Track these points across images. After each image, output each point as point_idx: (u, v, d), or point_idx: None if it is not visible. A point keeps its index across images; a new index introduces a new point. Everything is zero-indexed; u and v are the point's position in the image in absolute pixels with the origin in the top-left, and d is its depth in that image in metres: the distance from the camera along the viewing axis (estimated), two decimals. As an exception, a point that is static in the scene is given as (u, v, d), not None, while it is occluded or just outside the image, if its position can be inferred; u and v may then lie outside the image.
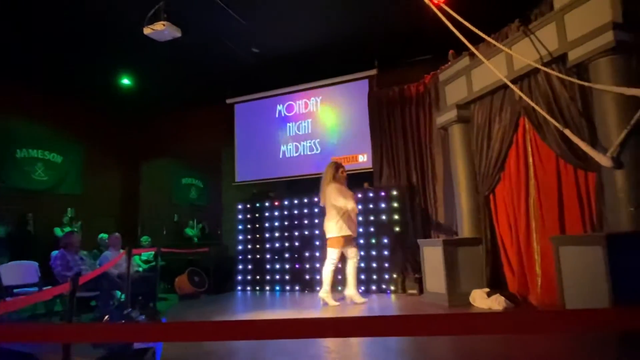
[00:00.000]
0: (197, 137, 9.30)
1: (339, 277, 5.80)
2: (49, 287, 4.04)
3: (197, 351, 3.17)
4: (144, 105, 9.32)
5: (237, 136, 8.93)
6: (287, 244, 6.98)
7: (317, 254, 6.70)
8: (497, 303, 4.32)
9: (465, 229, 5.24)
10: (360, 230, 6.14)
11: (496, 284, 4.83)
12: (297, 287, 6.77)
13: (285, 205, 7.12)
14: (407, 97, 6.78)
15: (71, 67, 7.58)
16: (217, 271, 7.16)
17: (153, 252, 6.81)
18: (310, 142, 8.20)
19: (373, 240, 6.26)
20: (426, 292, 5.19)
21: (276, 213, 7.16)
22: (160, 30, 5.53)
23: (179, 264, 7.17)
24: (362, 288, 6.20)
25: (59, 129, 8.58)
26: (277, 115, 8.60)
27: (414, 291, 5.72)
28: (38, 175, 8.18)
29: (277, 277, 6.95)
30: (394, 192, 6.32)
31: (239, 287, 7.17)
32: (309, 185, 7.78)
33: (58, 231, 7.49)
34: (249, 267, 7.20)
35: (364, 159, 7.60)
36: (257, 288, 7.06)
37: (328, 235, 5.17)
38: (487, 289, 4.60)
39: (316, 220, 6.81)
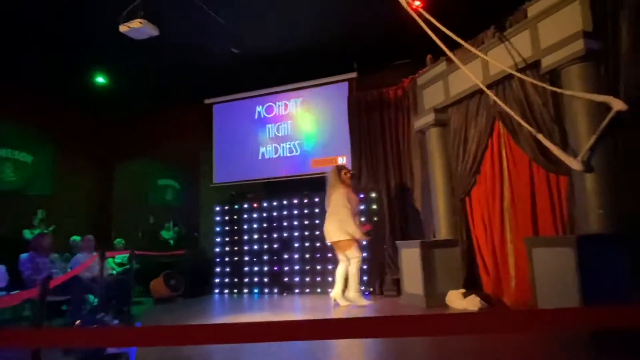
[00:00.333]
0: (174, 137, 9.15)
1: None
2: (18, 291, 3.90)
3: (173, 356, 3.11)
4: (119, 105, 9.11)
5: (216, 137, 8.83)
6: (265, 246, 6.94)
7: (296, 256, 6.68)
8: (472, 304, 4.41)
9: (442, 231, 5.32)
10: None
11: (472, 285, 4.93)
12: (275, 290, 6.74)
13: (264, 207, 7.08)
14: (386, 100, 6.86)
15: (42, 63, 7.35)
16: (194, 274, 7.05)
17: (127, 255, 6.66)
18: (290, 144, 8.18)
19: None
20: (404, 294, 5.24)
21: (255, 215, 7.11)
22: (136, 28, 5.41)
23: (154, 267, 7.03)
24: (341, 290, 6.21)
25: (29, 127, 8.29)
26: (256, 117, 8.55)
27: (392, 293, 5.77)
28: (6, 176, 7.88)
29: (256, 279, 6.90)
30: (373, 194, 6.37)
31: (217, 290, 7.09)
32: (288, 187, 7.76)
33: (27, 233, 7.24)
34: (227, 269, 7.12)
35: (343, 161, 7.62)
36: (235, 291, 6.98)
37: (339, 239, 5.08)
38: (463, 290, 4.69)
39: (295, 222, 6.80)
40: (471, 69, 4.52)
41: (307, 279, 6.52)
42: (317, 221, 6.65)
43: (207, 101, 8.89)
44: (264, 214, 7.06)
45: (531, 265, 3.54)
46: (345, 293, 5.17)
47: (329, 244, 5.39)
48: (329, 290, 5.58)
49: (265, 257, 6.90)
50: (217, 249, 7.26)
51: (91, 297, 5.11)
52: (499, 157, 4.75)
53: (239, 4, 5.86)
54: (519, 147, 4.39)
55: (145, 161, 9.55)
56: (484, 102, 4.84)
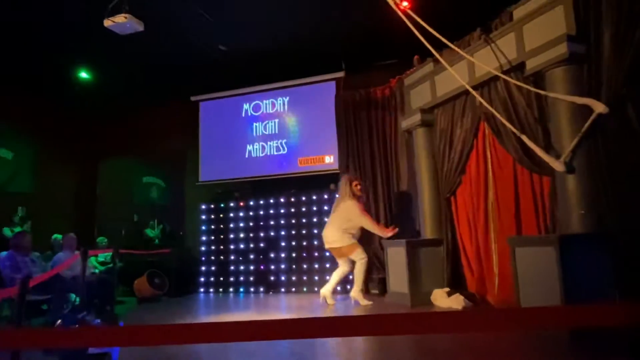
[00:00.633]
0: (159, 134, 9.03)
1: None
2: (-4, 290, 3.80)
3: (156, 356, 3.08)
4: (103, 101, 8.95)
5: (202, 135, 8.75)
6: (252, 245, 6.91)
7: (283, 255, 6.67)
8: (456, 302, 4.46)
9: (427, 230, 5.37)
10: (323, 237, 6.18)
11: (456, 284, 4.98)
12: (261, 289, 6.71)
13: (250, 205, 7.05)
14: (373, 100, 6.88)
15: (24, 58, 7.18)
16: (179, 273, 6.98)
17: (110, 254, 6.56)
18: (277, 142, 8.15)
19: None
20: (389, 292, 5.27)
21: (241, 214, 7.07)
22: (121, 23, 5.33)
23: (138, 266, 6.93)
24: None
25: (10, 123, 8.10)
26: (243, 115, 8.50)
27: (378, 291, 5.80)
28: (-15, 172, 7.69)
29: (242, 278, 6.87)
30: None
31: (202, 289, 7.03)
32: (275, 186, 7.73)
33: (7, 231, 7.07)
34: (213, 268, 7.07)
35: (330, 160, 7.63)
36: (221, 290, 6.94)
37: (341, 245, 5.17)
38: (448, 289, 4.74)
39: (282, 221, 6.79)
40: (457, 70, 4.56)
41: (294, 278, 6.52)
42: (303, 220, 6.65)
43: (193, 98, 8.80)
44: (251, 213, 7.02)
45: (514, 264, 3.59)
46: (350, 292, 5.29)
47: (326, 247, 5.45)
48: (316, 289, 5.59)
49: (252, 256, 6.87)
50: (203, 248, 7.20)
51: (73, 296, 5.02)
52: (484, 158, 4.81)
53: (226, 0, 5.82)
54: (503, 148, 4.45)
55: (129, 158, 9.41)
56: (470, 103, 4.89)
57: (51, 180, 8.74)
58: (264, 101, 8.35)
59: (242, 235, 6.99)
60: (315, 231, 6.50)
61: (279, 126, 8.19)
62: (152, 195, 9.50)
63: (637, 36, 3.29)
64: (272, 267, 6.71)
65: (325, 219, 6.30)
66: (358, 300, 5.12)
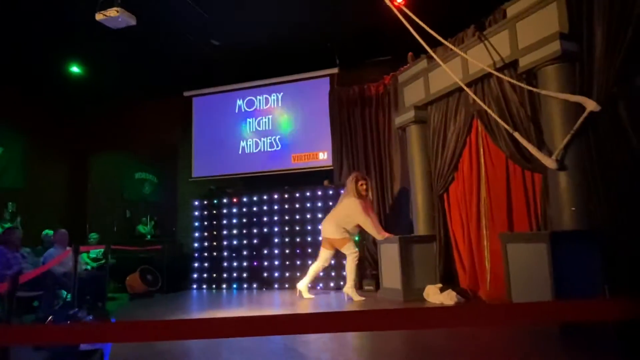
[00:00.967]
0: (152, 130, 8.97)
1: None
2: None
3: (148, 352, 3.07)
4: (95, 96, 8.86)
5: (195, 130, 8.71)
6: (245, 242, 6.89)
7: (276, 252, 6.67)
8: (449, 298, 4.49)
9: (420, 227, 5.40)
10: (320, 228, 6.18)
11: (449, 280, 5.01)
12: (254, 285, 6.71)
13: (243, 202, 7.03)
14: (367, 97, 6.88)
15: (13, 52, 7.08)
16: (171, 269, 6.96)
17: (102, 250, 6.51)
18: (270, 139, 8.14)
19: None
20: (382, 288, 5.30)
21: (234, 210, 7.05)
22: (113, 17, 5.27)
23: (130, 262, 6.89)
24: (321, 285, 6.25)
25: (-1, 117, 8.00)
26: (237, 110, 8.47)
27: (371, 287, 5.83)
28: (-26, 167, 7.59)
29: (235, 275, 6.86)
30: (353, 190, 6.38)
31: (194, 286, 7.01)
32: (269, 182, 7.73)
33: (-4, 227, 6.99)
34: (205, 265, 7.05)
35: (324, 157, 7.64)
36: (214, 286, 6.92)
37: (335, 237, 5.27)
38: (440, 285, 4.77)
39: (275, 218, 6.78)
40: (451, 67, 4.57)
41: (287, 275, 6.52)
42: (297, 216, 6.64)
43: (186, 94, 8.75)
44: (244, 209, 7.01)
45: (506, 260, 3.62)
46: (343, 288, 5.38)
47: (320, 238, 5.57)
48: (309, 285, 5.60)
49: (245, 253, 6.86)
50: (196, 244, 7.17)
51: (64, 293, 4.98)
52: (477, 155, 4.83)
53: (220, -4, 5.78)
54: (496, 145, 4.48)
55: (121, 154, 9.34)
56: (463, 100, 4.91)
57: (42, 175, 8.66)
58: (258, 97, 8.32)
59: (235, 231, 6.98)
60: (309, 227, 6.51)
61: (273, 122, 8.17)
62: (145, 191, 9.45)
63: (629, 35, 3.31)
64: (266, 263, 6.71)
65: (319, 215, 6.32)
66: (351, 296, 5.16)
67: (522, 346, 2.93)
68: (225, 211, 7.10)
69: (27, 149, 8.48)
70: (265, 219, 6.84)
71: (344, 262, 6.16)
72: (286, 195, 6.79)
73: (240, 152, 8.31)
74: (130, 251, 6.93)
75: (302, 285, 5.44)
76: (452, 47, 4.38)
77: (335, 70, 7.68)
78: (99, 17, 5.31)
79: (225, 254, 6.97)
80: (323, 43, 7.08)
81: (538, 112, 3.95)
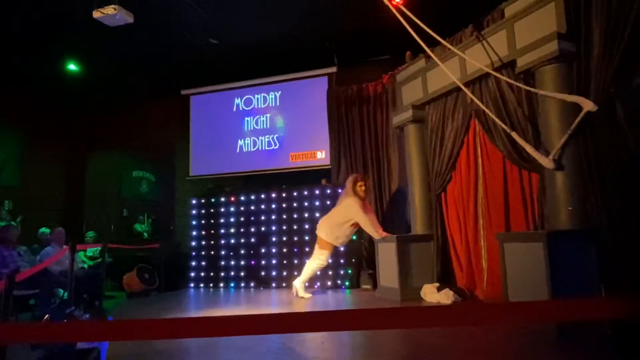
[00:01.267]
0: (150, 128, 8.95)
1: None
2: (-18, 285, 3.75)
3: (146, 350, 3.07)
4: (92, 94, 8.84)
5: (193, 129, 8.70)
6: (242, 240, 6.89)
7: (274, 251, 6.67)
8: (446, 297, 4.50)
9: (417, 226, 5.40)
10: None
11: (446, 279, 5.03)
12: (252, 284, 6.71)
13: (241, 200, 7.02)
14: (365, 96, 6.88)
15: (10, 50, 7.04)
16: (169, 268, 6.94)
17: (99, 248, 6.49)
18: (268, 137, 8.13)
19: (329, 237, 6.31)
20: (380, 287, 5.31)
21: (232, 209, 7.05)
22: (111, 14, 5.25)
23: (127, 261, 6.88)
24: (318, 283, 6.25)
25: (-4, 115, 7.96)
26: (234, 109, 8.46)
27: (368, 286, 5.84)
28: (-29, 165, 7.56)
29: (232, 273, 6.85)
30: (351, 189, 6.38)
31: (192, 285, 7.00)
32: (266, 181, 7.72)
33: (-7, 225, 6.96)
34: (203, 263, 7.04)
35: (322, 156, 7.64)
36: (211, 285, 6.92)
37: (321, 236, 5.35)
38: (437, 284, 4.78)
39: (273, 217, 6.77)
40: (449, 67, 4.57)
41: (284, 273, 6.52)
42: (295, 215, 6.64)
43: (184, 92, 8.73)
44: (241, 208, 7.00)
45: (503, 260, 3.63)
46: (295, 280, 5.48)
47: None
48: (306, 284, 5.60)
49: (242, 251, 6.86)
50: (193, 243, 7.16)
51: (61, 291, 4.97)
52: (474, 154, 4.84)
53: (218, -6, 5.77)
54: (493, 145, 4.48)
55: (119, 152, 9.32)
56: (461, 100, 4.92)
57: (39, 173, 8.63)
58: (256, 96, 8.31)
59: (232, 230, 6.97)
60: (307, 226, 6.51)
61: (271, 121, 8.16)
62: (142, 189, 9.43)
63: (626, 35, 3.32)
64: (263, 262, 6.70)
65: (317, 214, 6.32)
66: (298, 291, 5.30)
67: (519, 345, 2.94)
68: (222, 210, 7.09)
69: (23, 147, 8.45)
70: (262, 217, 6.83)
71: (342, 260, 6.21)
72: (284, 194, 6.79)
73: (238, 151, 8.30)
74: (127, 250, 6.92)
75: (299, 282, 5.43)
76: (450, 47, 4.38)
77: (333, 70, 7.68)
78: (96, 14, 5.29)
79: (222, 252, 6.96)
80: (321, 42, 7.08)
81: (535, 112, 3.96)
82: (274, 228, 6.73)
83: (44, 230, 7.13)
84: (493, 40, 4.31)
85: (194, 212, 7.26)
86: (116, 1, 5.22)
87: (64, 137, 9.19)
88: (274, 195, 6.85)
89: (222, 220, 7.06)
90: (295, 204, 6.67)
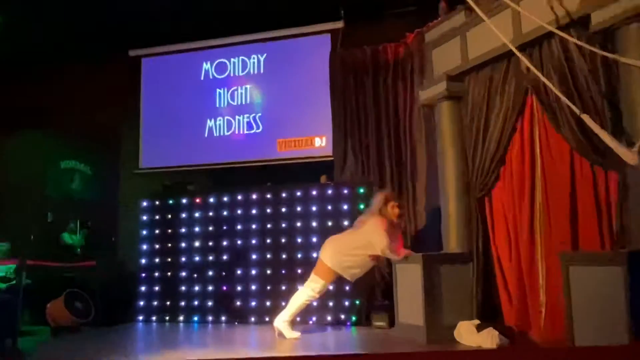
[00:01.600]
0: (85, 103, 8.93)
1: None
2: None
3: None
4: (7, 56, 8.82)
5: (144, 104, 8.69)
6: (211, 258, 6.90)
7: (254, 272, 6.67)
8: (489, 339, 4.50)
9: (452, 242, 5.42)
10: (314, 239, 6.20)
11: (489, 315, 5.04)
12: (223, 318, 6.72)
13: (210, 203, 7.02)
14: (382, 62, 6.88)
15: None
16: (109, 294, 6.96)
17: (13, 266, 6.51)
18: (248, 117, 8.13)
19: (330, 255, 6.33)
20: (398, 324, 5.32)
21: (197, 214, 7.05)
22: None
23: (52, 284, 6.89)
24: (314, 318, 6.26)
25: None
26: (202, 77, 8.45)
27: (382, 323, 5.85)
28: None
29: (196, 303, 6.86)
30: (361, 190, 6.40)
31: (141, 317, 7.01)
32: (245, 177, 7.72)
33: None
34: (156, 288, 7.05)
35: (321, 143, 7.65)
36: (167, 318, 6.93)
37: (324, 259, 5.30)
38: (477, 321, 4.78)
39: (253, 226, 6.78)
40: (498, 24, 4.58)
41: (268, 304, 6.52)
42: (283, 225, 6.64)
43: (132, 53, 8.73)
44: (210, 213, 7.00)
45: (567, 288, 3.65)
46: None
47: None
48: (298, 319, 5.62)
49: (210, 273, 6.86)
50: (144, 260, 7.16)
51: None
52: (531, 144, 4.85)
53: None
54: (557, 132, 4.49)
55: (42, 134, 9.30)
56: (514, 69, 4.92)
57: None
58: (232, 59, 8.31)
59: (197, 243, 6.97)
60: (299, 240, 6.50)
61: (252, 95, 8.16)
62: (74, 185, 9.42)
63: None
64: (239, 288, 6.71)
65: (314, 224, 6.32)
66: (282, 332, 5.26)
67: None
68: (184, 216, 7.10)
69: None
70: (239, 227, 6.84)
71: (347, 287, 6.22)
72: (268, 196, 6.79)
73: (206, 135, 8.29)
74: (52, 268, 6.93)
75: (280, 322, 5.34)
76: (500, -4, 4.39)
77: (339, 25, 7.66)
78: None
79: (183, 274, 6.96)
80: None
81: (616, 88, 3.96)
82: (254, 242, 6.73)
83: None
84: (559, -12, 4.31)
85: (144, 218, 7.25)
86: None
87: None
88: (254, 196, 6.85)
89: (183, 230, 7.06)
90: (284, 209, 6.67)
